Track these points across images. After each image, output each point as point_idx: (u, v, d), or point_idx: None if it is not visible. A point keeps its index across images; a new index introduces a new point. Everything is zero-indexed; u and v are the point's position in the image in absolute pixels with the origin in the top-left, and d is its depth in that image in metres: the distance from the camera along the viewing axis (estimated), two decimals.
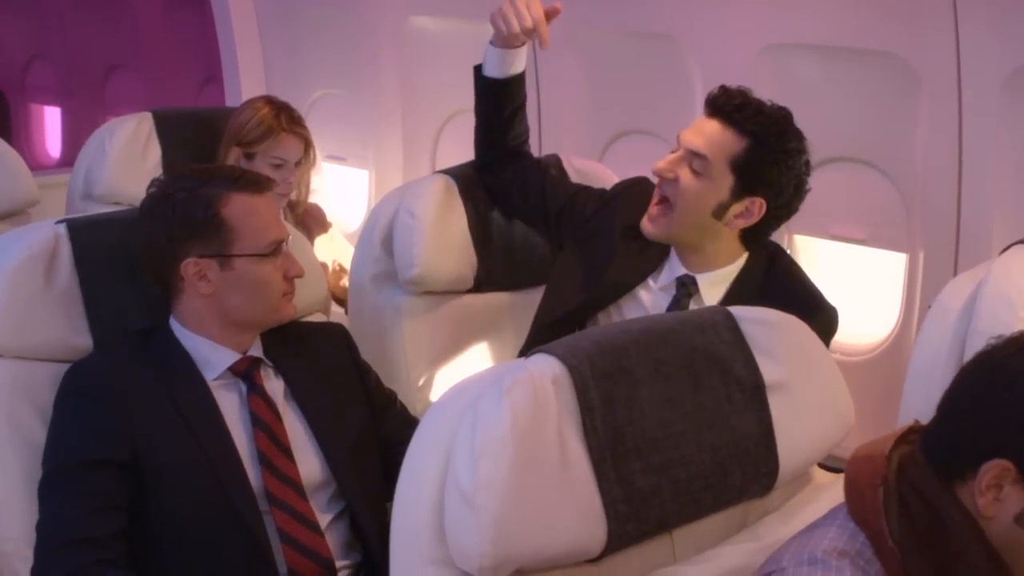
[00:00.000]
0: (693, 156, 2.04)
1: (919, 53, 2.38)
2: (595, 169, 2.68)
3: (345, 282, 2.85)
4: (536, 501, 1.32)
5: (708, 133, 2.04)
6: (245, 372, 1.90)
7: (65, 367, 1.85)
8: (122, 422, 1.77)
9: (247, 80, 4.00)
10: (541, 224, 2.39)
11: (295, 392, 1.93)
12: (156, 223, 1.86)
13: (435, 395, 2.45)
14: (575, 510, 1.35)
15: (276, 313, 1.92)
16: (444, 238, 2.45)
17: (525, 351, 1.82)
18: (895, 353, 2.55)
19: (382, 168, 3.68)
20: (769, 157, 2.02)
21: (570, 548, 1.36)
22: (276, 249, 1.89)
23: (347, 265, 2.81)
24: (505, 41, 2.28)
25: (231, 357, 1.89)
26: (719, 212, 2.05)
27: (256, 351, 1.93)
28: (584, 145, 3.08)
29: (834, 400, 1.61)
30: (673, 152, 2.08)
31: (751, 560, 1.41)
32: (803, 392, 1.55)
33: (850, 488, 1.31)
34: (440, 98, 3.47)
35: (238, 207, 1.86)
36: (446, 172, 2.56)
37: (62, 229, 1.93)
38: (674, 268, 2.13)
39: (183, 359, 1.87)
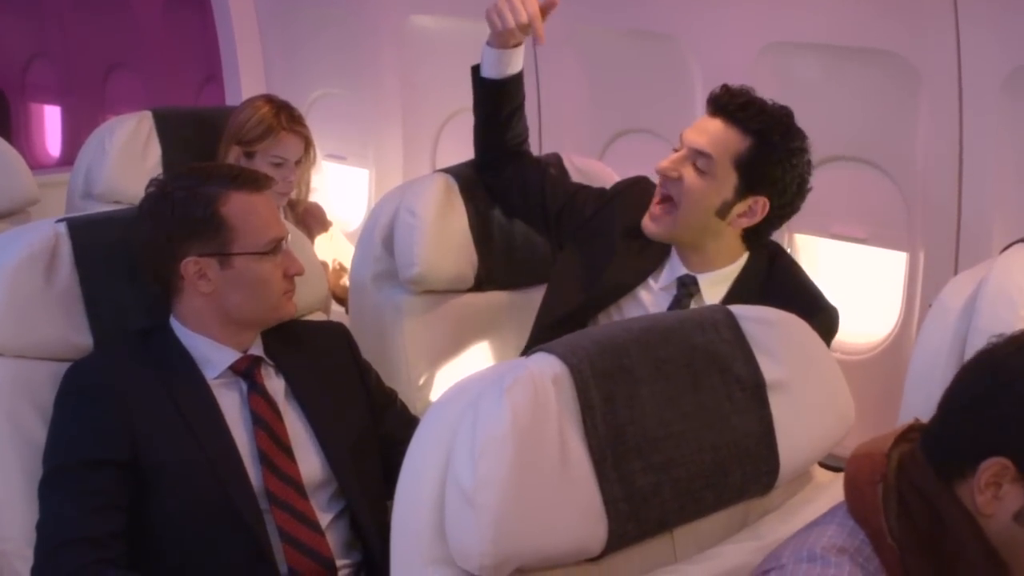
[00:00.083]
0: (697, 155, 2.04)
1: (920, 52, 2.37)
2: (595, 168, 2.68)
3: (345, 281, 2.85)
4: (537, 500, 1.32)
5: (712, 132, 2.04)
6: (246, 371, 1.90)
7: (65, 366, 1.85)
8: (122, 421, 1.77)
9: (247, 79, 4.00)
10: (541, 224, 2.38)
11: (296, 391, 1.93)
12: (155, 222, 1.86)
13: (435, 394, 2.45)
14: (576, 509, 1.35)
15: (276, 311, 1.92)
16: (444, 237, 2.45)
17: (526, 352, 1.81)
18: (896, 352, 2.55)
19: (382, 167, 3.68)
20: (773, 156, 2.02)
21: (571, 547, 1.36)
22: (276, 247, 1.89)
23: (347, 264, 2.81)
24: (501, 39, 2.27)
25: (231, 356, 1.89)
26: (722, 211, 2.05)
27: (257, 350, 1.93)
28: (584, 144, 3.08)
29: (835, 399, 1.61)
30: (676, 151, 2.08)
31: (752, 559, 1.40)
32: (804, 391, 1.55)
33: (849, 486, 1.31)
34: (440, 97, 3.47)
35: (237, 206, 1.86)
36: (446, 171, 2.56)
37: (62, 228, 1.93)
38: (675, 268, 2.13)
39: (183, 358, 1.87)
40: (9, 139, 3.12)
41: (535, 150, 2.55)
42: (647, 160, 2.21)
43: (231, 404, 1.87)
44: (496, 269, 2.55)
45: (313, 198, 3.09)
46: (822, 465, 1.66)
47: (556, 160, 2.59)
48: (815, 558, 1.25)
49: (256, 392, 1.89)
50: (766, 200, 2.05)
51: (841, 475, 1.34)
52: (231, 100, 3.98)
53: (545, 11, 2.27)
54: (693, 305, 2.08)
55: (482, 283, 2.55)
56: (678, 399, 1.44)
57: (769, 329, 1.55)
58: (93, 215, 2.09)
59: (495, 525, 1.28)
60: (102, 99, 5.41)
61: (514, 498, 1.29)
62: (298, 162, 2.84)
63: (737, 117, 2.03)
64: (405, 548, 1.36)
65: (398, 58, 3.56)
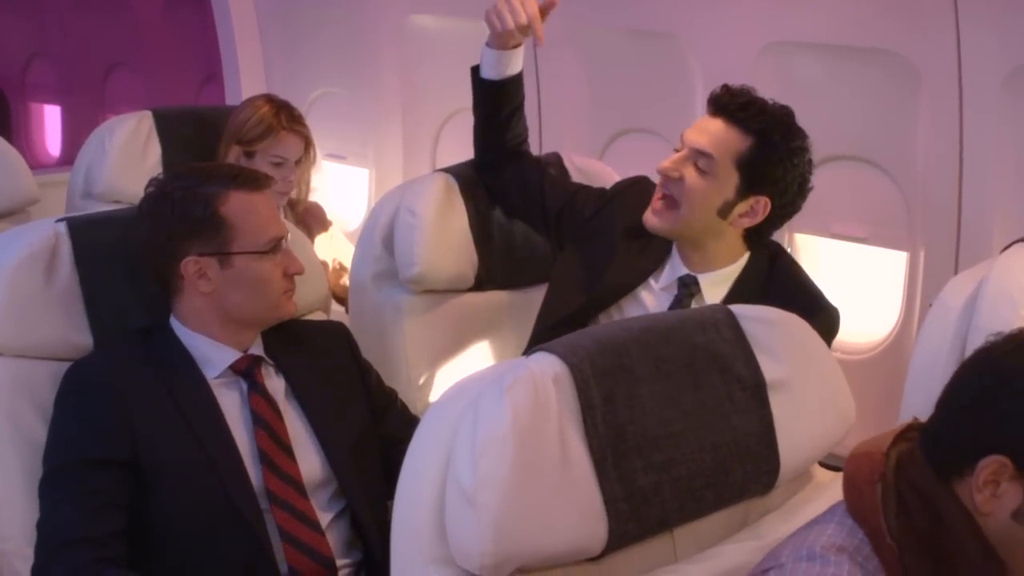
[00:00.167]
0: (698, 155, 2.04)
1: (920, 51, 2.37)
2: (596, 167, 2.68)
3: (345, 281, 2.85)
4: (537, 500, 1.32)
5: (713, 132, 2.04)
6: (246, 370, 1.90)
7: (65, 366, 1.85)
8: (122, 421, 1.77)
9: (247, 78, 4.00)
10: (541, 224, 2.38)
11: (296, 390, 1.93)
12: (155, 222, 1.86)
13: (435, 394, 2.45)
14: (576, 509, 1.35)
15: (276, 310, 1.92)
16: (445, 236, 2.45)
17: (527, 353, 1.81)
18: (896, 352, 2.55)
19: (382, 166, 3.68)
20: (774, 156, 2.02)
21: (571, 547, 1.35)
22: (276, 246, 1.89)
23: (347, 263, 2.81)
24: (500, 40, 2.27)
25: (232, 355, 1.89)
26: (724, 211, 2.05)
27: (257, 349, 1.93)
28: (584, 143, 3.08)
29: (835, 398, 1.61)
30: (677, 151, 2.08)
31: (752, 559, 1.40)
32: (804, 391, 1.55)
33: (849, 485, 1.31)
34: (440, 96, 3.47)
35: (237, 205, 1.86)
36: (446, 170, 2.56)
37: (62, 227, 1.93)
38: (675, 268, 2.13)
39: (183, 358, 1.87)
40: (9, 139, 3.13)
41: (535, 150, 2.54)
42: (647, 160, 2.21)
43: (231, 404, 1.87)
44: (496, 269, 2.55)
45: (313, 198, 3.09)
46: (822, 465, 1.66)
47: (556, 160, 2.59)
48: (814, 557, 1.25)
49: (256, 391, 1.89)
50: (767, 200, 2.05)
51: (841, 475, 1.34)
52: (231, 100, 3.98)
53: (545, 12, 2.27)
54: (694, 305, 2.08)
55: (482, 283, 2.55)
56: (678, 398, 1.44)
57: (770, 329, 1.55)
58: (93, 215, 2.09)
59: (495, 525, 1.28)
60: (102, 99, 5.41)
61: (514, 498, 1.29)
62: (298, 162, 2.84)
63: (738, 117, 2.02)
64: (405, 547, 1.36)
65: (398, 58, 3.56)
